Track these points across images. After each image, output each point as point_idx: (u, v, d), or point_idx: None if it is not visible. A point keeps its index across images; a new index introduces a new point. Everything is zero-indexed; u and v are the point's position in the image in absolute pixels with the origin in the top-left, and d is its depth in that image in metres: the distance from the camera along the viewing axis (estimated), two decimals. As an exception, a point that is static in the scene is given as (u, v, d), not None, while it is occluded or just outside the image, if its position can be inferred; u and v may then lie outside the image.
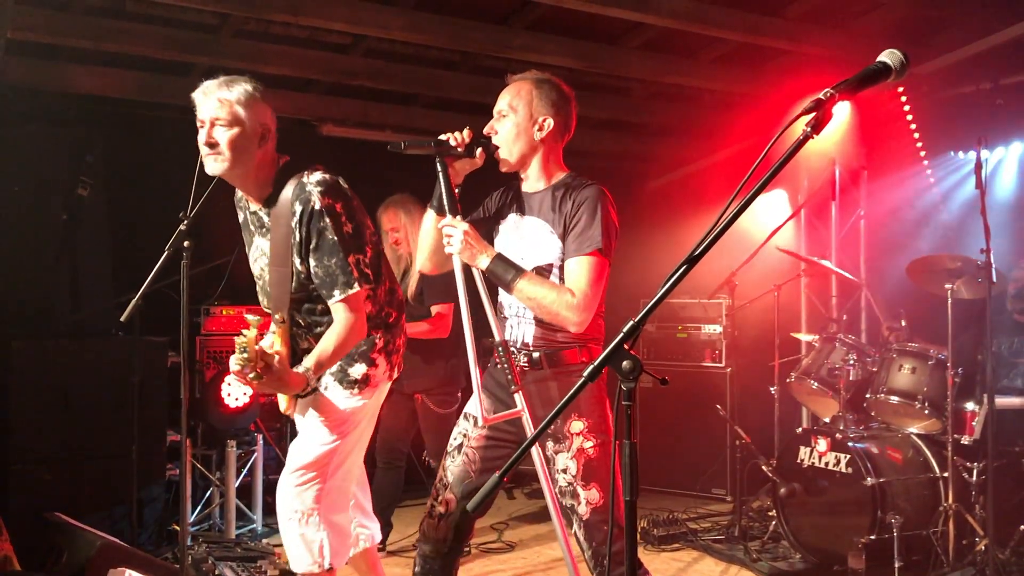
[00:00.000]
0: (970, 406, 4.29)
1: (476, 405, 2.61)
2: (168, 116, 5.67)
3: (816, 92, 1.61)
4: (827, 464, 4.31)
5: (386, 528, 4.64)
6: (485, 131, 2.71)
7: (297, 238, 2.65)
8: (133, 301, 3.14)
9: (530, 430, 2.57)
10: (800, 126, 1.59)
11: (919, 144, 5.66)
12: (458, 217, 2.62)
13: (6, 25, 4.14)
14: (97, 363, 4.44)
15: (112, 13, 4.55)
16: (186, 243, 3.01)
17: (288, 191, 2.67)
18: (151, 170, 5.21)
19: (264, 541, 4.63)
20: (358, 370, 2.79)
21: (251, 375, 2.45)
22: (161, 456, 4.65)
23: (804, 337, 5.40)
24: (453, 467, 2.74)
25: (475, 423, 2.72)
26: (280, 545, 3.08)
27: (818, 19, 4.96)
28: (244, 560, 4.14)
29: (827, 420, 4.86)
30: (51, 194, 4.70)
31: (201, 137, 2.64)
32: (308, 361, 2.61)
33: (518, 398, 2.57)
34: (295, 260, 2.68)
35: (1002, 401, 4.27)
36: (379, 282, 2.82)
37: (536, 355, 2.65)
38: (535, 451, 2.59)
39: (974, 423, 4.27)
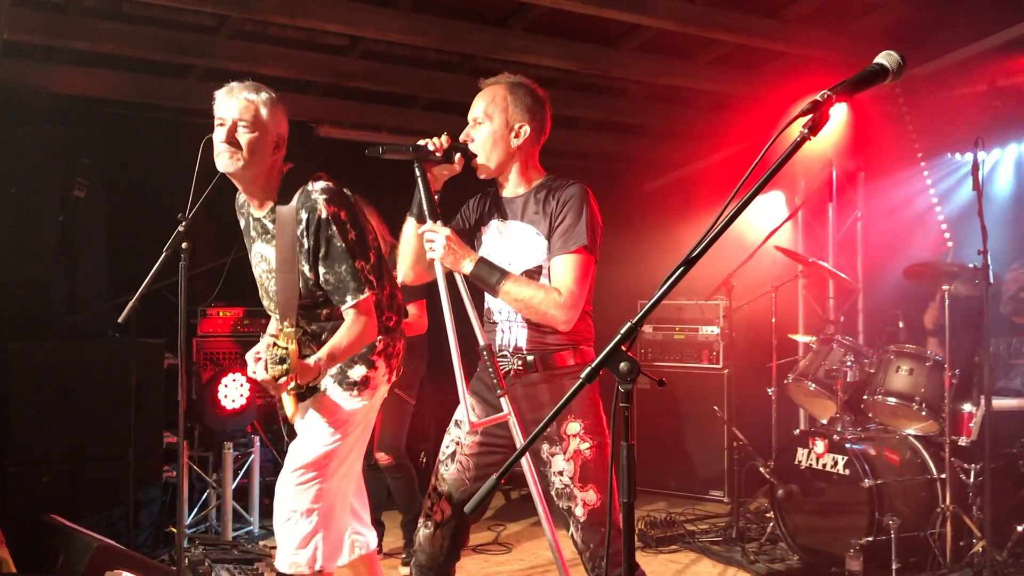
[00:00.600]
0: (967, 407, 4.30)
1: (465, 411, 2.60)
2: (165, 118, 5.68)
3: (813, 94, 1.61)
4: (825, 466, 4.31)
5: (378, 528, 4.63)
6: (461, 138, 2.71)
7: (305, 246, 2.69)
8: (131, 303, 3.13)
9: (517, 433, 2.57)
10: (797, 127, 1.60)
11: (916, 146, 5.66)
12: (439, 222, 2.62)
13: (3, 27, 4.13)
14: (94, 365, 4.44)
15: (109, 15, 4.54)
16: (184, 244, 3.02)
17: (293, 199, 2.71)
18: (148, 172, 5.20)
19: (261, 543, 4.63)
20: (358, 372, 2.81)
21: (291, 386, 2.47)
22: (158, 458, 4.64)
23: (801, 338, 5.40)
24: (447, 475, 2.73)
25: (466, 429, 2.70)
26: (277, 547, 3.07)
27: (815, 21, 4.97)
28: (241, 562, 4.14)
29: (824, 421, 4.86)
30: (48, 196, 4.70)
31: (220, 135, 2.66)
32: (321, 352, 2.65)
33: (504, 402, 2.57)
34: (303, 267, 2.72)
35: (999, 403, 4.27)
36: (381, 287, 2.85)
37: (530, 359, 2.64)
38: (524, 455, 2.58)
39: (971, 424, 4.27)
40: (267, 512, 4.53)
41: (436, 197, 2.68)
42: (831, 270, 5.27)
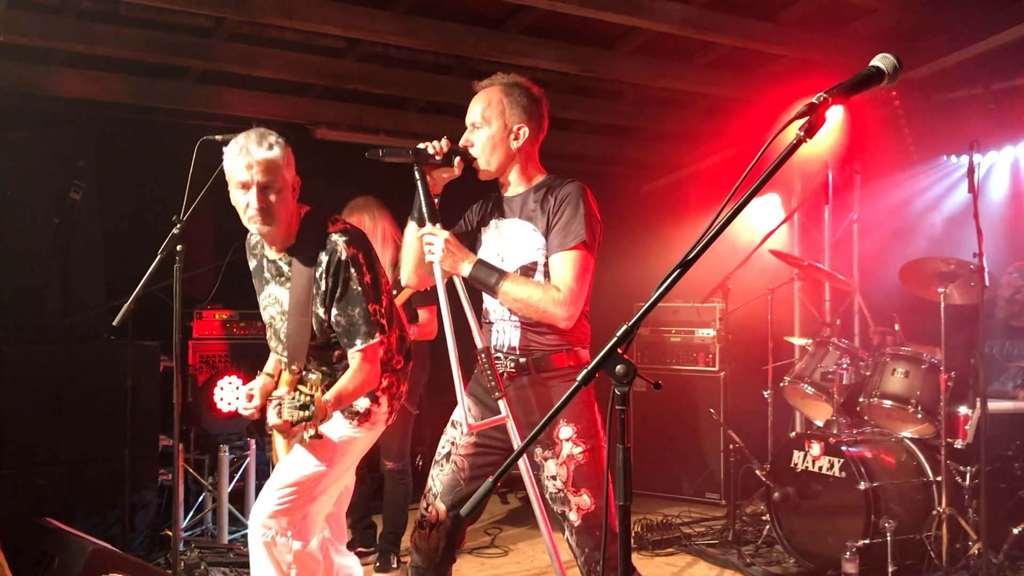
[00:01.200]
0: (963, 410, 4.30)
1: (462, 413, 2.61)
2: (161, 120, 5.66)
3: (809, 96, 1.61)
4: (821, 468, 4.31)
5: (369, 530, 4.64)
6: (461, 143, 2.72)
7: (323, 287, 2.73)
8: (126, 305, 3.13)
9: (515, 435, 2.57)
10: (793, 130, 1.59)
11: (912, 148, 5.67)
12: (438, 225, 2.62)
13: (-2, 29, 4.13)
14: (89, 367, 4.43)
15: (105, 17, 4.53)
16: (179, 247, 3.02)
17: (312, 242, 2.75)
18: (144, 174, 5.20)
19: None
20: (362, 403, 2.86)
21: (309, 433, 2.48)
22: (153, 461, 4.63)
23: (797, 341, 5.40)
24: (442, 476, 2.73)
25: (462, 431, 2.71)
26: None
27: (811, 24, 4.97)
28: (237, 565, 4.14)
29: (820, 424, 4.87)
30: (43, 198, 4.69)
31: (251, 200, 2.65)
32: (329, 395, 2.66)
33: (502, 404, 2.57)
34: (318, 309, 2.75)
35: (994, 405, 4.27)
36: (391, 330, 2.90)
37: (523, 360, 2.64)
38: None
39: (967, 427, 4.27)
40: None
41: (436, 200, 2.68)
42: (828, 272, 5.28)
